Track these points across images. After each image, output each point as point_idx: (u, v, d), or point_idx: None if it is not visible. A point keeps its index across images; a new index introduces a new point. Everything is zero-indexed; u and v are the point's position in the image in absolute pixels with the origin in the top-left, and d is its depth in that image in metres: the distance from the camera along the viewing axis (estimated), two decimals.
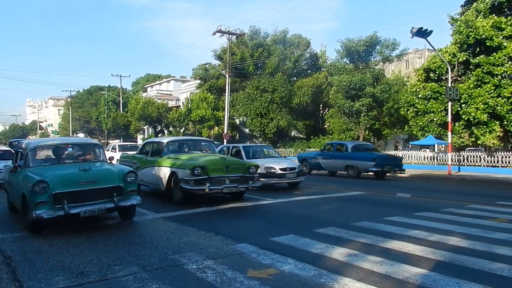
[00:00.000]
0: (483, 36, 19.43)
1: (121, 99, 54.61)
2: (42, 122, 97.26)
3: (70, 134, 60.42)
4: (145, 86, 72.12)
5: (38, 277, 4.23)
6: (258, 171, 9.83)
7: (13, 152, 13.31)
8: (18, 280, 4.17)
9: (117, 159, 14.27)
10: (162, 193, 9.88)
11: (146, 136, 51.54)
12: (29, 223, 6.24)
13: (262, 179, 10.81)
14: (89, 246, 5.39)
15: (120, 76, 53.80)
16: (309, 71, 38.01)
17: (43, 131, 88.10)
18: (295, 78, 36.97)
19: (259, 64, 37.05)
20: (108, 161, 7.59)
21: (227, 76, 31.94)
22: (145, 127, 51.81)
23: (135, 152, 16.72)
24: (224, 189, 8.65)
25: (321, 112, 38.28)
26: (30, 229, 6.27)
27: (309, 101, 34.04)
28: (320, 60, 38.22)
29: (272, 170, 11.63)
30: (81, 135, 58.30)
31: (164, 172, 9.29)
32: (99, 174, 6.56)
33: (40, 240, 5.79)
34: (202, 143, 11.13)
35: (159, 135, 46.45)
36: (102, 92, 61.79)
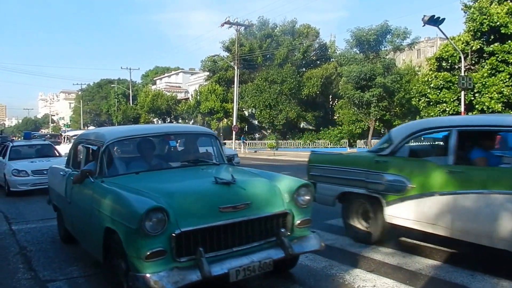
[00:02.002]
0: (498, 23, 18.93)
1: (130, 92, 54.91)
2: (54, 115, 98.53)
3: (81, 127, 61.13)
4: (154, 79, 72.36)
5: (53, 267, 4.32)
6: None
7: (51, 144, 11.64)
8: (34, 270, 4.26)
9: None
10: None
11: None
12: None
13: None
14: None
15: (130, 69, 53.94)
16: (318, 62, 37.62)
17: (55, 124, 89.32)
18: (304, 69, 36.64)
19: (268, 55, 36.78)
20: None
21: (235, 67, 31.81)
22: (155, 120, 52.13)
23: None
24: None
25: (331, 103, 37.97)
26: None
27: (318, 92, 33.75)
28: (329, 51, 37.76)
29: None
30: (91, 128, 58.92)
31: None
32: (252, 191, 3.40)
33: (54, 231, 5.89)
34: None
35: None
36: (112, 85, 62.25)
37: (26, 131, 26.19)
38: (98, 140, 4.18)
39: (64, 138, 18.53)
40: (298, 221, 3.54)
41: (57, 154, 11.13)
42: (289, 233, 3.42)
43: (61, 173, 4.98)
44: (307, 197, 3.62)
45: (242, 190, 3.33)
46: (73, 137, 17.47)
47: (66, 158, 5.46)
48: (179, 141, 4.73)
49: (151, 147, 4.31)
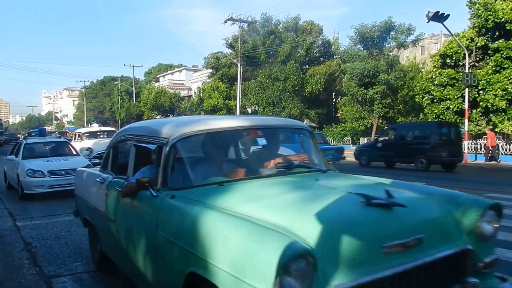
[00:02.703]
0: (503, 20, 18.77)
1: (134, 89, 55.02)
2: (58, 112, 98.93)
3: (85, 125, 61.38)
4: (157, 76, 72.45)
5: (57, 263, 4.35)
6: None
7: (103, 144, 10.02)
8: (39, 265, 4.30)
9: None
10: None
11: None
12: None
13: None
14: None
15: (133, 66, 53.98)
16: (322, 59, 37.50)
17: (58, 121, 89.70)
18: (307, 66, 36.55)
19: (271, 52, 36.70)
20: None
21: (238, 64, 31.79)
22: (158, 117, 52.25)
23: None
24: None
25: (334, 100, 37.88)
26: None
27: (321, 89, 33.68)
28: (332, 47, 37.65)
29: None
30: (95, 125, 59.16)
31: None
32: (422, 217, 2.27)
33: (58, 228, 5.94)
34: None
35: None
36: (115, 83, 62.35)
37: (40, 127, 24.85)
38: (157, 136, 2.91)
39: (75, 135, 17.62)
40: (483, 263, 2.30)
41: (75, 153, 10.28)
42: (475, 281, 2.21)
43: (97, 179, 3.73)
44: (496, 225, 2.40)
45: (409, 216, 2.13)
46: (85, 135, 16.64)
47: (103, 159, 4.10)
48: (270, 136, 3.29)
49: (234, 146, 3.24)
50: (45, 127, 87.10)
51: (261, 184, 2.66)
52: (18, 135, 54.13)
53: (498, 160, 17.43)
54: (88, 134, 16.76)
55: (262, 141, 3.21)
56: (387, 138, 16.47)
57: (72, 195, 7.74)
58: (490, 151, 17.67)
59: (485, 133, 19.47)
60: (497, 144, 18.37)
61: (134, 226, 2.91)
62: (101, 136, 15.83)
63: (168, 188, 2.63)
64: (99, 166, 4.26)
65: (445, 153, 14.29)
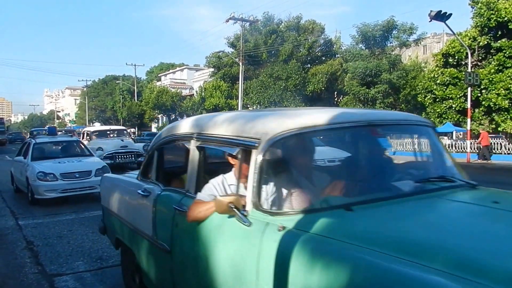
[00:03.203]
0: (506, 19, 18.69)
1: (135, 88, 55.08)
2: (59, 111, 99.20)
3: (87, 124, 61.51)
4: (159, 75, 72.51)
5: (59, 261, 4.36)
6: None
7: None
8: (41, 264, 4.31)
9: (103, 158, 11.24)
10: None
11: (160, 125, 52.05)
12: None
13: None
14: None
15: (135, 65, 54.03)
16: (323, 58, 37.44)
17: (60, 120, 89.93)
18: (309, 65, 36.49)
19: (273, 51, 36.67)
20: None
21: (240, 63, 31.77)
22: (160, 116, 52.26)
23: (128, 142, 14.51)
24: None
25: (336, 99, 37.83)
26: None
27: (323, 88, 33.63)
28: (334, 47, 37.58)
29: None
30: (97, 124, 59.30)
31: None
32: None
33: (60, 227, 5.95)
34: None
35: None
36: (117, 82, 62.41)
37: (51, 126, 22.74)
38: (241, 135, 2.03)
39: (83, 134, 16.07)
40: None
41: (88, 153, 9.43)
42: None
43: (138, 191, 2.77)
44: None
45: None
46: (95, 133, 15.42)
47: (143, 165, 3.12)
48: (387, 132, 2.54)
49: (353, 150, 2.38)
50: (46, 125, 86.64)
51: (413, 210, 1.78)
52: (23, 134, 53.43)
53: (489, 160, 17.60)
54: (97, 133, 15.76)
55: (385, 142, 2.39)
56: None
57: (83, 199, 7.79)
58: (482, 150, 17.95)
59: (488, 132, 19.41)
60: (490, 143, 18.50)
61: (213, 267, 1.92)
62: (111, 136, 15.27)
63: (265, 211, 1.78)
64: (131, 172, 3.60)
65: None
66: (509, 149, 19.12)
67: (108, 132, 15.91)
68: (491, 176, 12.94)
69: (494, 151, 19.57)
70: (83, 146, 9.76)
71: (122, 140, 14.23)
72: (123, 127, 21.19)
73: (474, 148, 19.43)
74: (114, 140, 14.33)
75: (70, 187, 7.74)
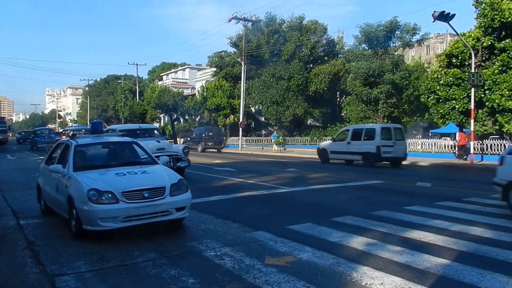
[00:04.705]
0: (509, 19, 18.59)
1: (137, 87, 55.13)
2: (61, 111, 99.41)
3: (88, 123, 61.57)
4: (161, 75, 72.57)
5: (60, 261, 4.34)
6: None
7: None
8: (42, 264, 4.29)
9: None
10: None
11: (162, 125, 52.08)
12: None
13: None
14: (108, 232, 5.28)
15: (136, 65, 54.08)
16: (326, 58, 37.35)
17: (61, 119, 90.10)
18: (311, 65, 36.42)
19: (275, 51, 36.60)
20: None
21: (242, 63, 31.73)
22: (161, 116, 52.28)
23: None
24: None
25: (338, 99, 37.72)
26: None
27: (326, 88, 33.55)
28: (337, 47, 37.48)
29: None
30: None
31: None
32: None
33: (61, 226, 5.92)
34: None
35: (175, 123, 46.73)
36: (118, 81, 62.53)
37: (96, 120, 15.84)
38: None
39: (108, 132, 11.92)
40: None
41: (150, 159, 6.52)
42: None
43: None
44: None
45: None
46: (122, 133, 9.98)
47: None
48: None
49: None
50: (48, 124, 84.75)
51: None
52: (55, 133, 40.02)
53: (465, 158, 18.37)
54: (125, 132, 10.46)
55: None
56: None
57: (154, 228, 5.47)
58: (460, 149, 18.87)
59: (491, 133, 19.33)
60: (467, 143, 19.17)
61: None
62: (141, 136, 12.05)
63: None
64: None
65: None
66: None
67: (138, 132, 12.68)
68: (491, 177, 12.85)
69: (497, 152, 19.46)
70: (140, 149, 6.75)
71: (159, 142, 11.63)
72: (155, 126, 16.47)
73: (478, 150, 19.32)
74: (149, 141, 10.94)
75: (137, 212, 5.07)
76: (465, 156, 18.52)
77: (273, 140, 29.87)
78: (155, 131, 13.48)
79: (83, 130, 22.08)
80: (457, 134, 19.42)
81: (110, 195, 5.06)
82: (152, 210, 5.17)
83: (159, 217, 5.26)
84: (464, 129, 20.17)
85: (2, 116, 63.65)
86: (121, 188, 5.15)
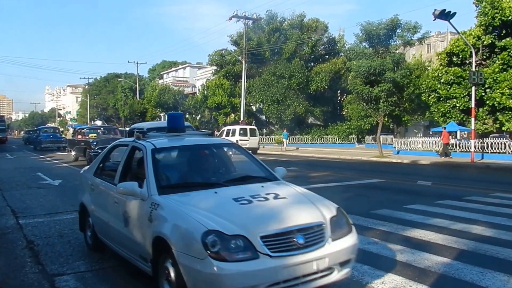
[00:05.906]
0: (510, 18, 18.58)
1: (137, 86, 55.09)
2: (61, 109, 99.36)
3: (88, 122, 61.57)
4: (161, 73, 72.53)
5: (60, 261, 4.32)
6: None
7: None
8: (41, 264, 4.27)
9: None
10: None
11: None
12: None
13: None
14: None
15: (137, 63, 54.02)
16: (327, 56, 37.33)
17: (61, 118, 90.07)
18: (312, 64, 36.40)
19: (276, 50, 36.57)
20: None
21: (243, 62, 31.70)
22: (162, 114, 52.27)
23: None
24: None
25: (339, 98, 37.72)
26: None
27: (326, 87, 33.54)
28: (338, 45, 37.44)
29: None
30: (98, 122, 59.29)
31: None
32: None
33: (61, 226, 5.91)
34: None
35: None
36: (119, 79, 62.45)
37: (174, 112, 11.25)
38: None
39: (129, 134, 8.93)
40: None
41: (269, 174, 4.01)
42: None
43: None
44: None
45: None
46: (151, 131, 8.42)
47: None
48: None
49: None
50: (47, 123, 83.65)
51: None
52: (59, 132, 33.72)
53: (450, 156, 18.86)
54: (155, 131, 5.00)
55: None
56: None
57: None
58: (443, 148, 19.40)
59: (492, 132, 19.30)
60: (449, 142, 19.91)
61: None
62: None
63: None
64: None
65: None
66: None
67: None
68: (491, 176, 12.84)
69: (498, 151, 19.44)
70: (249, 157, 4.36)
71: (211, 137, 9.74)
72: (187, 123, 14.57)
73: (478, 148, 19.29)
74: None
75: (289, 275, 2.80)
76: (450, 155, 18.99)
77: (283, 139, 29.95)
78: (190, 129, 9.55)
79: (101, 129, 19.22)
80: (442, 133, 19.91)
81: (241, 243, 2.77)
82: (310, 268, 2.87)
83: (317, 280, 2.94)
84: (462, 127, 20.49)
85: (1, 115, 63.38)
86: (257, 227, 2.86)
